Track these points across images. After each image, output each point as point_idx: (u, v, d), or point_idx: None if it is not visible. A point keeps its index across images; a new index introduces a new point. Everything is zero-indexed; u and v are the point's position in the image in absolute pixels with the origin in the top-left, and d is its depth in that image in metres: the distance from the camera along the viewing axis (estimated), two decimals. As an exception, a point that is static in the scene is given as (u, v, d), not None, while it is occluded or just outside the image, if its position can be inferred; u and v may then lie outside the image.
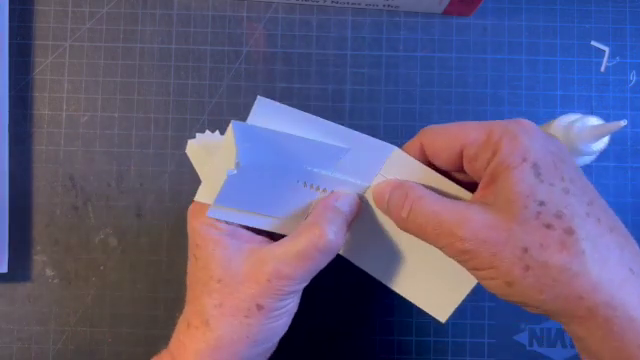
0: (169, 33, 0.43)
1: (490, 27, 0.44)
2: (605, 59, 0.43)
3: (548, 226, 0.23)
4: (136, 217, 0.43)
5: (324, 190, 0.31)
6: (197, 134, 0.32)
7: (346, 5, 0.43)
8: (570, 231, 0.23)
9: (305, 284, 0.30)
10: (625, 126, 0.31)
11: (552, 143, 0.25)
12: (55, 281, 0.42)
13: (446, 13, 0.43)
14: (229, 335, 0.29)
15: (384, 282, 0.32)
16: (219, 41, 0.43)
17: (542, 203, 0.24)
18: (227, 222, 0.31)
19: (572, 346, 0.42)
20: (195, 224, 0.31)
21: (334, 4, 0.43)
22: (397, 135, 0.43)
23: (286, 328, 0.31)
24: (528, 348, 0.42)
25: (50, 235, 0.42)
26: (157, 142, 0.43)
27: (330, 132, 0.30)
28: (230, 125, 0.29)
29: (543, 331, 0.42)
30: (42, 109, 0.43)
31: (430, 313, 0.31)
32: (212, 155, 0.31)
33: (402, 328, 0.42)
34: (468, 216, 0.25)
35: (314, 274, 0.30)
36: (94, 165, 0.43)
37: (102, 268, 0.42)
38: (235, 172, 0.28)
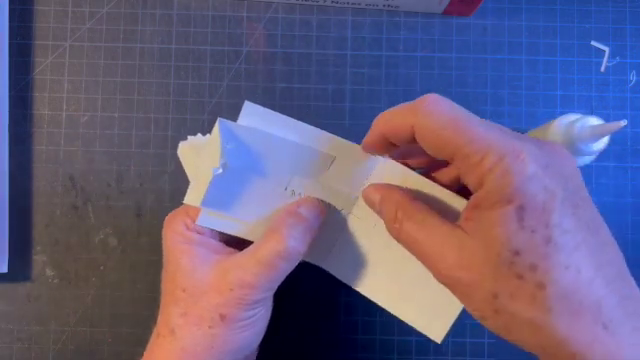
0: (169, 33, 0.43)
1: (490, 27, 0.44)
2: (605, 59, 0.43)
3: (520, 277, 0.22)
4: (136, 217, 0.43)
5: None
6: (189, 136, 0.32)
7: (346, 5, 0.43)
8: (541, 286, 0.22)
9: (270, 293, 0.30)
10: (625, 126, 0.31)
11: (552, 177, 0.23)
12: (55, 281, 0.42)
13: (446, 13, 0.43)
14: (193, 346, 0.29)
15: (377, 302, 0.32)
16: (219, 41, 0.43)
17: (517, 253, 0.22)
18: (218, 231, 0.31)
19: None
20: (167, 233, 0.31)
21: (334, 4, 0.43)
22: (397, 135, 0.43)
23: (257, 339, 0.31)
24: (528, 348, 0.42)
25: (50, 235, 0.42)
26: (157, 142, 0.43)
27: (317, 139, 0.30)
28: (216, 123, 0.28)
29: (543, 331, 0.42)
30: (42, 109, 0.43)
31: (425, 333, 0.31)
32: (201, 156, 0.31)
33: (402, 328, 0.42)
34: (445, 252, 0.24)
35: (278, 282, 0.30)
36: (94, 165, 0.43)
37: (102, 268, 0.42)
38: (220, 171, 0.28)
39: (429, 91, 0.43)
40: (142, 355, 0.31)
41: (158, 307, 0.42)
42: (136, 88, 0.43)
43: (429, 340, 0.42)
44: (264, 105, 0.30)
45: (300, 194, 0.31)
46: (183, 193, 0.42)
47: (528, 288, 0.22)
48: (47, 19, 0.43)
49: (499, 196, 0.22)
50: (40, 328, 0.42)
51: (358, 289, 0.32)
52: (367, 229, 0.31)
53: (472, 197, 0.24)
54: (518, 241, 0.22)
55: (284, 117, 0.30)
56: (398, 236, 0.27)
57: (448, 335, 0.31)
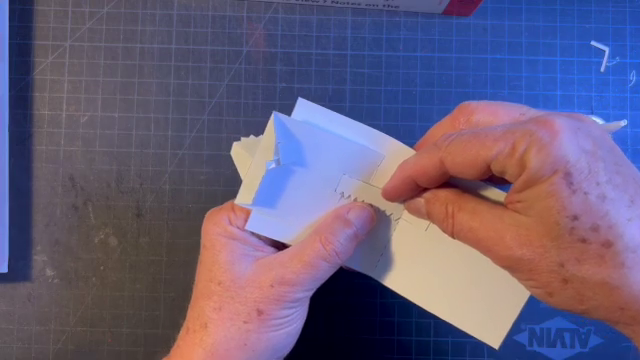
0: (169, 33, 0.43)
1: (490, 27, 0.44)
2: (605, 59, 0.43)
3: (583, 240, 0.22)
4: (136, 217, 0.43)
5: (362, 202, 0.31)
6: (242, 138, 0.32)
7: (346, 5, 0.43)
8: (608, 244, 0.22)
9: (309, 293, 0.30)
10: (625, 126, 0.31)
11: (586, 138, 0.23)
12: (55, 281, 0.42)
13: (446, 13, 0.43)
14: (226, 341, 0.29)
15: (430, 310, 0.31)
16: (219, 41, 0.43)
17: (575, 217, 0.22)
18: (265, 235, 0.30)
19: (572, 346, 0.42)
20: (207, 226, 0.31)
21: (334, 4, 0.43)
22: (397, 135, 0.42)
23: (291, 341, 0.31)
24: (528, 348, 0.42)
25: (50, 235, 0.42)
26: (157, 142, 0.43)
27: (368, 137, 0.30)
28: (272, 117, 0.28)
29: (543, 331, 0.42)
30: (42, 109, 0.43)
31: (482, 340, 0.30)
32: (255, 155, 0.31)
33: (402, 328, 0.42)
34: (502, 234, 0.24)
35: (319, 283, 0.30)
36: (94, 165, 0.43)
37: (102, 268, 0.42)
38: (274, 165, 0.28)
39: (429, 91, 0.43)
40: (145, 355, 0.31)
41: (158, 307, 0.42)
42: (136, 88, 0.43)
43: (429, 340, 0.42)
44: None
45: (349, 196, 0.31)
46: (183, 193, 0.43)
47: (594, 249, 0.22)
48: (47, 19, 0.43)
49: (542, 170, 0.22)
50: (40, 328, 0.42)
51: (408, 297, 0.31)
52: (418, 234, 0.31)
53: (515, 183, 0.24)
54: (574, 206, 0.22)
55: (336, 114, 0.30)
56: (452, 229, 0.26)
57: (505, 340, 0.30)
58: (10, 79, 0.42)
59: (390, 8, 0.43)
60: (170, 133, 0.43)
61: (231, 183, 0.43)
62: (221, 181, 0.43)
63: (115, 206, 0.43)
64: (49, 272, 0.42)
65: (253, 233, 0.31)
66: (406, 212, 0.30)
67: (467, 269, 0.30)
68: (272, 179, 0.29)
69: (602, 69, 0.43)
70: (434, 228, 0.28)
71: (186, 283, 0.42)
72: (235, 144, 0.32)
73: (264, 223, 0.30)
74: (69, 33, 0.43)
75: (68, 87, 0.43)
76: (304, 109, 0.29)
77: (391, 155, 0.30)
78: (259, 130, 0.33)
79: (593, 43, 0.44)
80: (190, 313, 0.31)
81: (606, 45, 0.43)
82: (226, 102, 0.43)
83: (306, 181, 0.30)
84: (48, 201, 0.42)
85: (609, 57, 0.43)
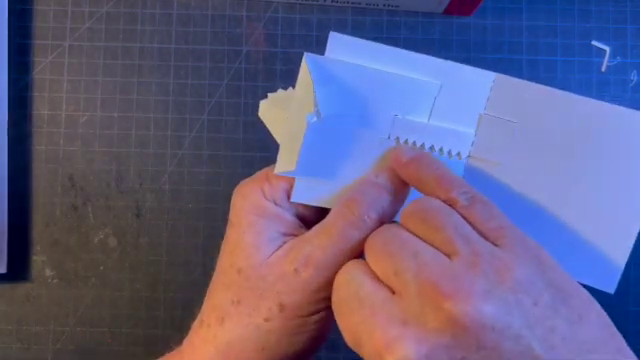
0: (169, 33, 0.43)
1: (490, 27, 0.44)
2: (606, 59, 0.43)
3: None
4: (136, 217, 0.42)
5: (421, 147, 0.26)
6: (269, 94, 0.28)
7: (346, 5, 0.43)
8: None
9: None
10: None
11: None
12: (55, 281, 0.42)
13: (446, 13, 0.43)
14: (242, 342, 0.25)
15: None
16: (219, 41, 0.43)
17: None
18: (313, 205, 0.26)
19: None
20: (235, 200, 0.27)
21: (334, 4, 0.43)
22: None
23: (312, 352, 0.27)
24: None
25: (50, 235, 0.42)
26: (157, 142, 0.43)
27: (419, 66, 0.26)
28: (304, 59, 0.25)
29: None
30: (42, 109, 0.43)
31: (593, 286, 0.26)
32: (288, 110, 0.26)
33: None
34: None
35: (348, 259, 0.25)
36: (94, 165, 0.43)
37: (102, 268, 0.42)
38: (315, 119, 0.24)
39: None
40: (145, 355, 0.31)
41: (158, 307, 0.42)
42: (135, 88, 0.43)
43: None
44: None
45: (406, 141, 0.26)
46: (183, 193, 0.43)
47: None
48: (46, 19, 0.43)
49: None
50: (40, 328, 0.42)
51: None
52: (491, 170, 0.26)
53: None
54: None
55: (376, 44, 0.26)
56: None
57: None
58: (9, 79, 0.42)
59: (390, 8, 0.43)
60: (170, 133, 0.43)
61: (231, 183, 0.43)
62: (221, 181, 0.43)
63: (115, 206, 0.42)
64: (48, 272, 0.42)
65: (291, 206, 0.27)
66: (475, 149, 0.26)
67: (554, 204, 0.26)
68: (315, 135, 0.25)
69: (603, 69, 0.43)
70: (510, 162, 0.25)
71: (186, 283, 0.42)
72: (263, 102, 0.28)
73: (311, 191, 0.26)
74: (68, 33, 0.43)
75: (67, 87, 0.43)
76: (338, 44, 0.25)
77: (449, 82, 0.26)
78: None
79: (594, 43, 0.43)
80: (207, 302, 0.27)
81: (607, 45, 0.43)
82: (226, 102, 0.43)
83: (354, 131, 0.26)
84: (48, 201, 0.42)
85: (610, 57, 0.43)
